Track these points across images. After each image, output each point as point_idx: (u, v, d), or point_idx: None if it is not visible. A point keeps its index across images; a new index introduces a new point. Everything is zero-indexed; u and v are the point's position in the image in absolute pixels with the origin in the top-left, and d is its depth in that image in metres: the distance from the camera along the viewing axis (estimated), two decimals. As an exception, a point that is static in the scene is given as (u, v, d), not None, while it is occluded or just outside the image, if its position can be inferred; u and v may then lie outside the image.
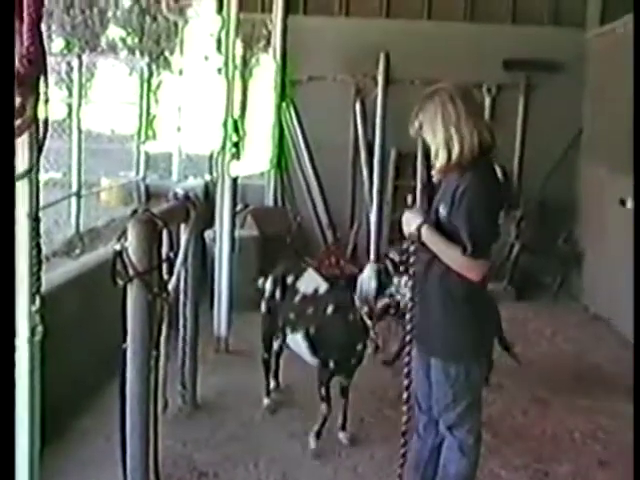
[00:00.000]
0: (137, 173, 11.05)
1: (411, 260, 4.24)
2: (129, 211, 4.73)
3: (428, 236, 4.14)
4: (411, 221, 4.19)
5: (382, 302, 5.05)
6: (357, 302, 5.23)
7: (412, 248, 4.21)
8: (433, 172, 4.34)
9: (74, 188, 8.99)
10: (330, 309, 5.52)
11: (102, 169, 11.55)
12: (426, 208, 4.27)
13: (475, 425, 4.43)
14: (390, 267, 4.96)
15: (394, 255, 4.79)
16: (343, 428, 5.82)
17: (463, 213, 4.05)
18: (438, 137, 4.17)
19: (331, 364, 5.54)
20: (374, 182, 11.21)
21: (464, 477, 4.47)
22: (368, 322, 5.22)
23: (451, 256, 4.10)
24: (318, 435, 5.60)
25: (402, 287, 4.82)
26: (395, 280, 4.94)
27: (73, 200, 8.93)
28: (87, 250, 7.87)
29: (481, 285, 4.23)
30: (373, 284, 5.09)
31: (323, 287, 5.71)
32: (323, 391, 5.59)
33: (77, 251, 8.04)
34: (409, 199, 4.29)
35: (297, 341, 5.75)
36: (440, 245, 4.13)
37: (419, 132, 4.29)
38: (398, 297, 4.94)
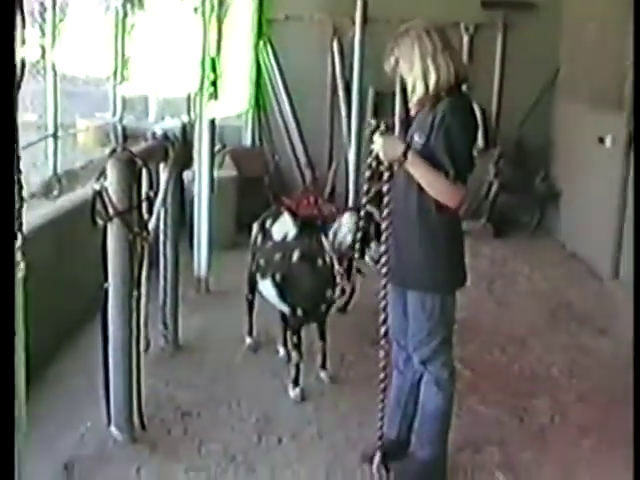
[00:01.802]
0: (114, 115, 10.92)
1: (385, 188, 4.20)
2: (107, 152, 4.69)
3: (414, 160, 4.10)
4: (396, 146, 4.13)
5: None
6: (327, 248, 5.22)
7: (386, 175, 4.18)
8: (410, 106, 4.33)
9: (50, 130, 8.87)
10: (296, 256, 5.47)
11: (78, 111, 11.41)
12: (403, 140, 4.23)
13: (448, 359, 4.47)
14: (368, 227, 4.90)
15: (373, 211, 4.74)
16: (323, 367, 5.85)
17: (442, 138, 4.06)
18: (415, 69, 4.18)
19: (299, 311, 5.52)
20: (352, 121, 11.14)
21: (442, 412, 4.51)
22: (337, 267, 5.20)
23: (433, 181, 4.08)
24: (296, 382, 5.58)
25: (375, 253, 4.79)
26: (373, 245, 4.90)
27: (50, 141, 8.81)
28: (65, 192, 7.80)
29: (456, 216, 4.25)
30: (349, 238, 5.05)
31: (292, 233, 5.63)
32: (295, 339, 5.57)
33: (55, 193, 7.95)
34: (382, 127, 4.23)
35: (267, 287, 5.72)
36: (423, 169, 4.09)
37: (395, 68, 4.29)
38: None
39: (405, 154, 4.08)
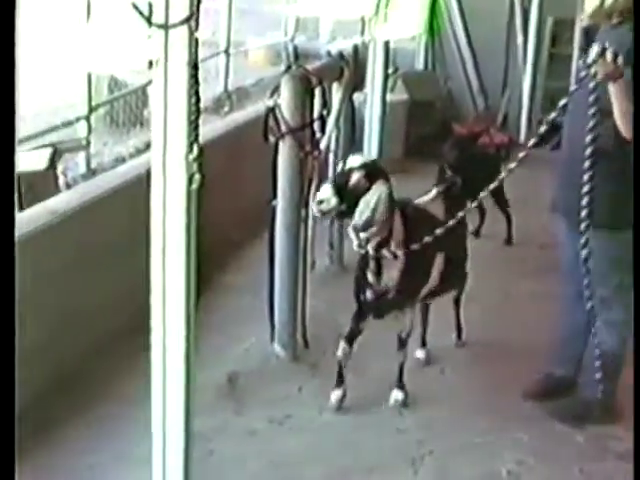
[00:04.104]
0: (285, 34, 10.91)
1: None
2: (278, 70, 4.68)
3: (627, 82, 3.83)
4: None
5: None
6: None
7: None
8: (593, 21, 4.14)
9: (222, 46, 8.94)
10: None
11: (250, 30, 11.47)
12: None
13: (626, 300, 4.29)
14: None
15: None
16: None
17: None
18: None
19: None
20: (528, 49, 10.82)
21: (615, 353, 4.37)
22: None
23: (628, 107, 3.85)
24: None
25: None
26: None
27: (221, 58, 8.89)
28: (235, 108, 7.87)
29: None
30: None
31: None
32: None
33: (225, 109, 8.04)
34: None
35: None
36: (629, 93, 3.85)
37: None
38: None
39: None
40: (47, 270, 4.45)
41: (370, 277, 4.42)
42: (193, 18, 2.88)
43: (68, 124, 6.40)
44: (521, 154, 3.94)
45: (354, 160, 4.25)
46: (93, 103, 6.22)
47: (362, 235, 4.22)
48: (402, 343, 4.65)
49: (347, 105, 5.81)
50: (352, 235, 4.27)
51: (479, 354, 5.24)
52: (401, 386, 4.68)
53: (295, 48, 10.68)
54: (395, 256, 4.30)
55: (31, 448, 3.98)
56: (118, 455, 4.04)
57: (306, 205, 4.78)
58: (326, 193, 4.09)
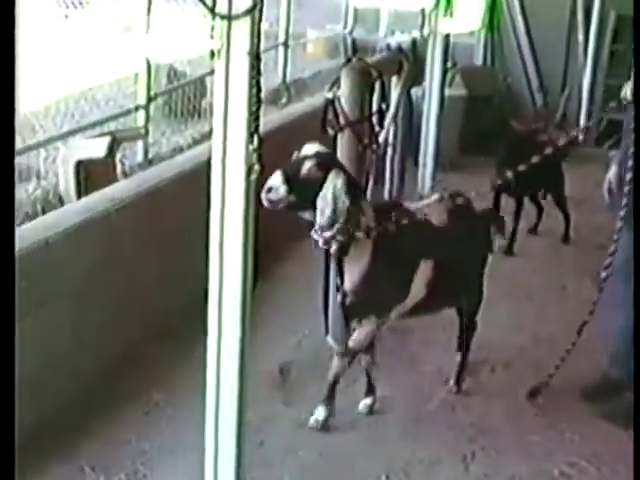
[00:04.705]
0: (344, 26, 10.92)
1: None
2: (337, 62, 4.69)
3: None
4: None
5: None
6: None
7: None
8: None
9: (281, 38, 8.96)
10: None
11: (308, 22, 11.48)
12: None
13: None
14: None
15: None
16: None
17: None
18: None
19: None
20: (589, 46, 10.71)
21: None
22: None
23: None
24: None
25: None
26: None
27: (280, 50, 8.92)
28: (293, 100, 7.90)
29: None
30: None
31: None
32: None
33: (283, 100, 8.07)
34: None
35: None
36: None
37: None
38: None
39: None
40: (104, 256, 4.51)
41: (332, 275, 4.14)
42: (257, 9, 2.90)
43: (127, 113, 6.47)
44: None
45: (308, 148, 3.94)
46: (152, 93, 6.28)
47: (326, 234, 3.88)
48: (344, 353, 4.29)
49: (405, 99, 5.80)
50: (315, 236, 3.92)
51: (532, 352, 5.21)
52: (327, 403, 4.31)
53: (353, 41, 10.69)
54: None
55: (92, 429, 4.11)
56: (171, 442, 4.09)
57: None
58: (275, 181, 3.76)
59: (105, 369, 4.46)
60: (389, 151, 5.85)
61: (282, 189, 3.76)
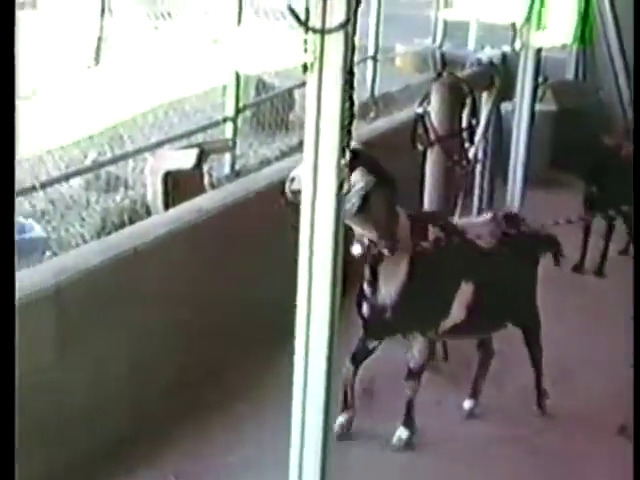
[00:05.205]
0: (434, 41, 10.90)
1: None
2: (425, 77, 4.69)
3: None
4: None
5: None
6: None
7: None
8: None
9: (370, 52, 8.98)
10: None
11: (396, 35, 11.50)
12: None
13: None
14: None
15: None
16: None
17: None
18: None
19: None
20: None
21: None
22: None
23: None
24: None
25: None
26: None
27: (369, 64, 8.95)
28: (381, 114, 7.90)
29: None
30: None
31: None
32: None
33: (371, 115, 8.09)
34: None
35: None
36: None
37: None
38: None
39: None
40: (190, 266, 4.57)
41: (365, 286, 4.01)
42: (350, 23, 2.90)
43: (215, 125, 6.56)
44: None
45: None
46: (240, 105, 6.35)
47: (358, 231, 3.77)
48: (410, 375, 4.24)
49: (495, 115, 5.77)
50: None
51: (609, 372, 5.10)
52: (407, 423, 4.30)
53: (442, 55, 10.67)
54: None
55: (177, 440, 4.18)
56: (256, 456, 4.12)
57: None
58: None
59: (190, 379, 4.50)
60: (478, 167, 5.81)
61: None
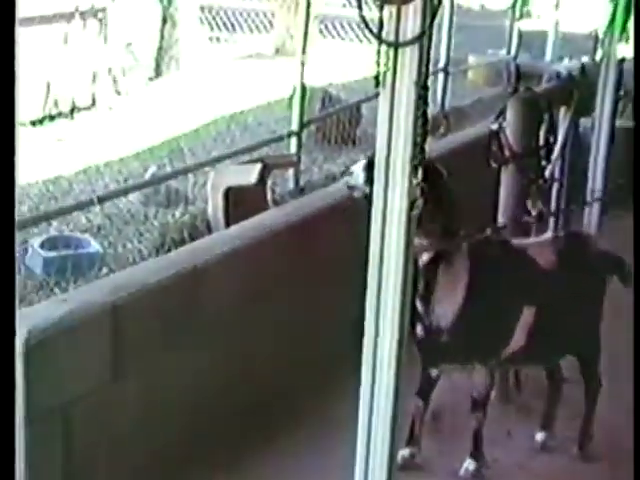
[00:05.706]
0: (508, 52, 10.87)
1: None
2: (499, 90, 4.69)
3: None
4: None
5: None
6: None
7: None
8: None
9: (441, 63, 8.98)
10: None
11: (469, 46, 11.49)
12: None
13: None
14: None
15: None
16: None
17: None
18: None
19: None
20: None
21: None
22: None
23: None
24: None
25: None
26: None
27: (439, 76, 8.95)
28: (452, 129, 7.89)
29: None
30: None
31: None
32: None
33: (441, 130, 8.09)
34: None
35: None
36: None
37: None
38: None
39: None
40: (253, 285, 4.61)
41: (418, 303, 3.90)
42: (425, 36, 2.92)
43: (279, 139, 6.61)
44: None
45: None
46: (305, 118, 6.38)
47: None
48: (475, 405, 4.21)
49: (573, 131, 5.73)
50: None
51: None
52: (475, 455, 4.27)
53: (517, 67, 10.62)
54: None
55: (245, 464, 4.22)
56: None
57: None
58: (358, 166, 3.72)
59: (258, 400, 4.53)
60: (555, 187, 5.77)
61: (361, 176, 3.70)
